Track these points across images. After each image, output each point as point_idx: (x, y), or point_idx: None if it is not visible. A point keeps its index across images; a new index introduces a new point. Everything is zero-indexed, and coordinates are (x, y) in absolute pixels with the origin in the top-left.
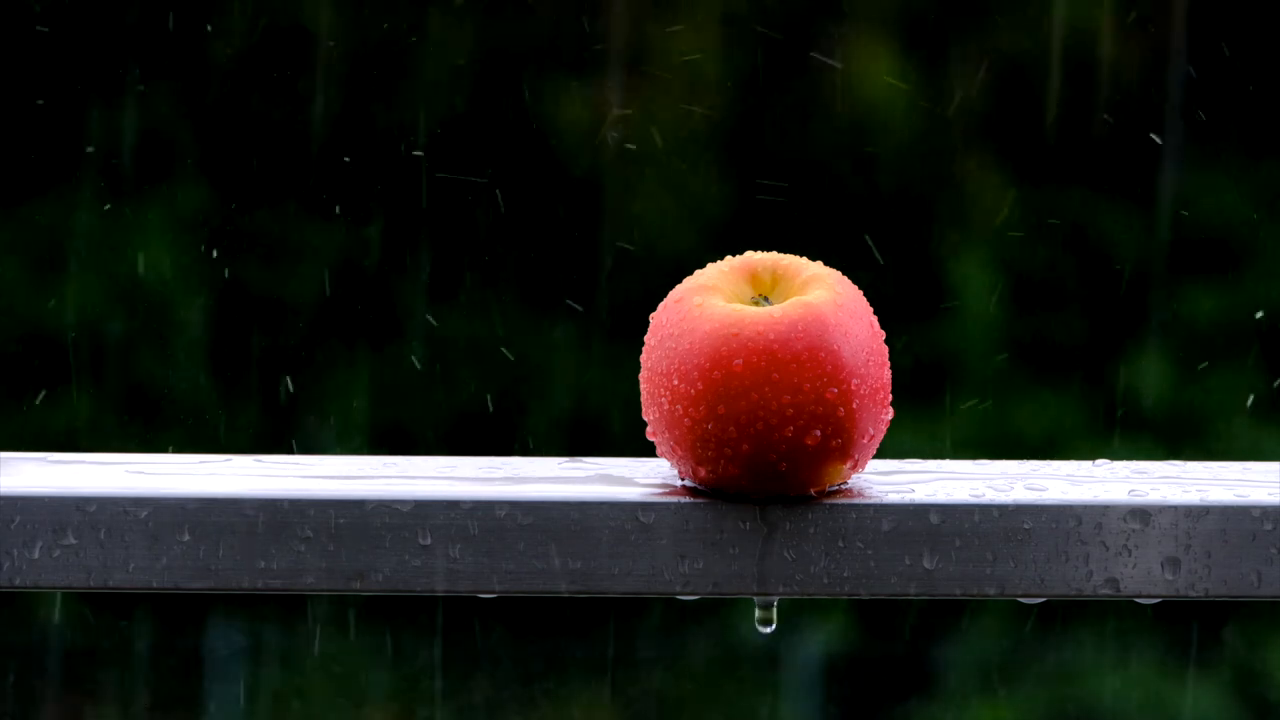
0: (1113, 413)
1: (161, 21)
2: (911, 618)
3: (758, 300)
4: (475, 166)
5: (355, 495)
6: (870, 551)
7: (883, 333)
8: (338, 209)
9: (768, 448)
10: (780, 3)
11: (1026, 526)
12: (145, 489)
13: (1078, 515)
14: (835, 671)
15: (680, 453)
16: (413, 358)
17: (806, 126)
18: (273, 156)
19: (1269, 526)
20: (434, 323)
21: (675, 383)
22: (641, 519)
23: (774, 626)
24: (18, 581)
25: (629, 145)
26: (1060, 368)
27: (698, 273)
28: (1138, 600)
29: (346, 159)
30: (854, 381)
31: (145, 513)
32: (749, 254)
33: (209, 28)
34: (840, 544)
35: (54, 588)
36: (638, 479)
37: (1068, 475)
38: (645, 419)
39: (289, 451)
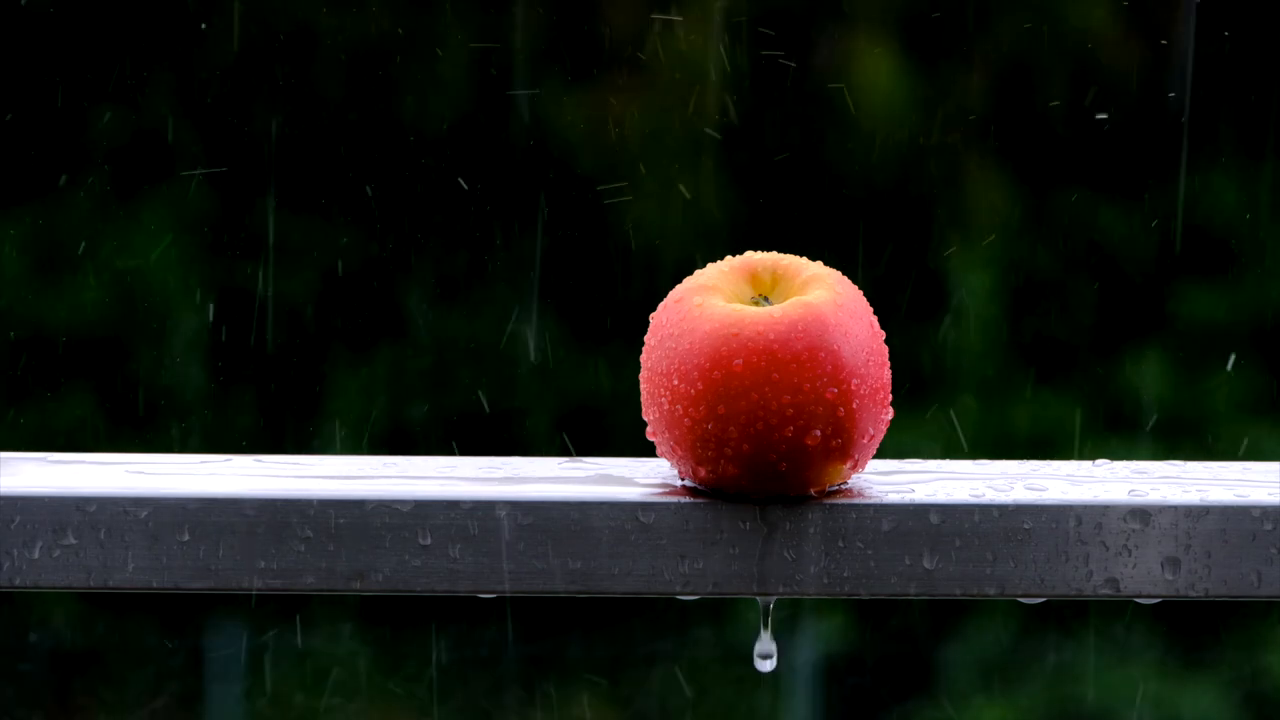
0: (1113, 413)
1: (161, 21)
2: (911, 618)
3: (758, 300)
4: (476, 166)
5: (355, 495)
6: (870, 551)
7: (883, 333)
8: (338, 209)
9: (768, 448)
10: (781, 3)
11: (1026, 526)
12: (145, 489)
13: (1078, 515)
14: (835, 671)
15: (680, 453)
16: (413, 358)
17: (806, 127)
18: (273, 156)
19: (1269, 526)
20: (434, 323)
21: (675, 383)
22: (641, 519)
23: (774, 662)
24: (18, 581)
25: (629, 145)
26: (1060, 368)
27: (698, 273)
28: (1138, 600)
29: (347, 159)
30: (854, 381)
31: (145, 513)
32: (749, 254)
33: (207, 27)
34: (840, 544)
35: (54, 588)
36: (638, 479)
37: (1068, 475)
38: (645, 419)
39: (289, 451)
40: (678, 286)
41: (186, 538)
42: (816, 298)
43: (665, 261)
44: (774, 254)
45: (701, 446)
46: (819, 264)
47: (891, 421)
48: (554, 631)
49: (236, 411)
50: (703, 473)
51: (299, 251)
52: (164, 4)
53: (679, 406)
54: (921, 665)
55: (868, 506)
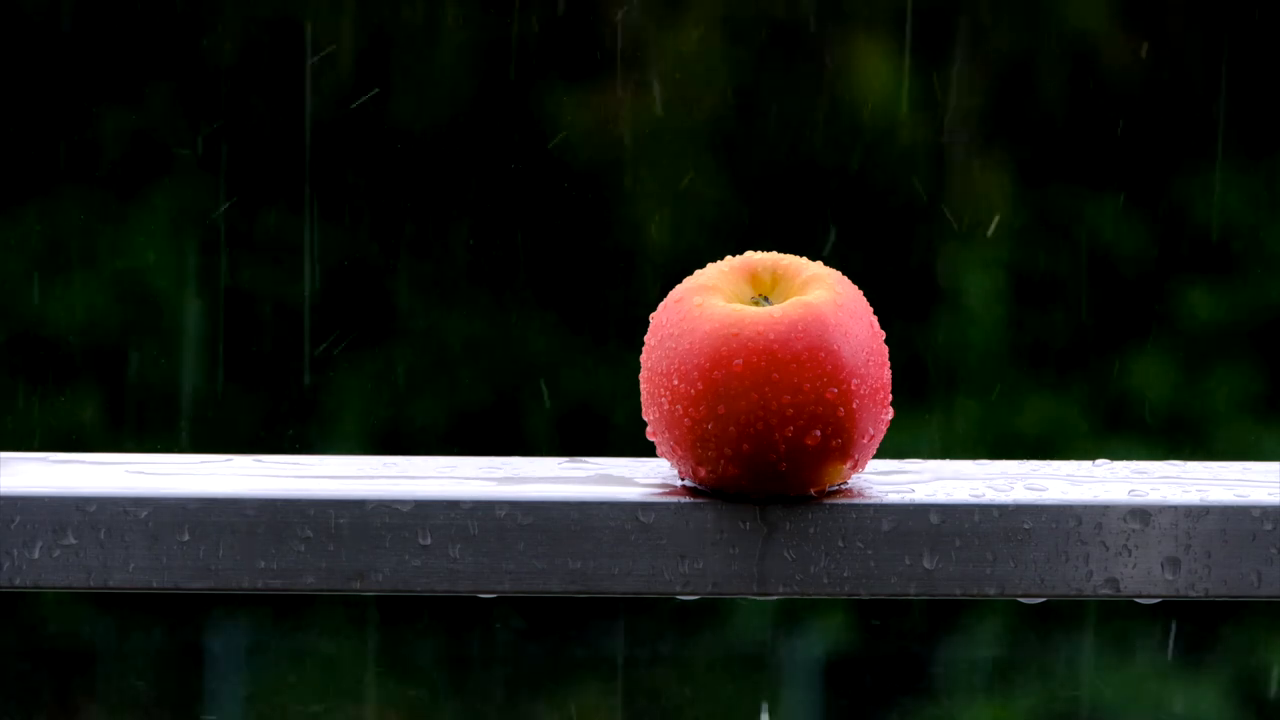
0: (1113, 413)
1: (162, 21)
2: (912, 618)
3: (758, 300)
4: (476, 166)
5: (355, 495)
6: (870, 551)
7: (883, 333)
8: (338, 208)
9: (768, 448)
10: (781, 3)
11: (1026, 526)
12: (145, 489)
13: (1078, 515)
14: (835, 671)
15: (680, 453)
16: (413, 358)
17: (807, 127)
18: (273, 156)
19: (1269, 526)
20: (434, 322)
21: (675, 383)
22: (641, 519)
23: None
24: (18, 581)
25: (630, 145)
26: (1060, 368)
27: (698, 273)
28: (1138, 600)
29: (347, 158)
30: (854, 381)
31: (145, 513)
32: (749, 254)
33: (209, 27)
34: (840, 544)
35: (54, 588)
36: (638, 479)
37: (1068, 475)
38: (645, 419)
39: (289, 451)
40: (678, 286)
41: (186, 538)
42: (816, 298)
43: (665, 261)
44: (774, 254)
45: (701, 446)
46: (819, 264)
47: (891, 421)
48: (554, 631)
49: (236, 411)
50: (703, 473)
51: (299, 251)
52: (165, 4)
53: (679, 406)
54: (921, 665)
55: (868, 506)
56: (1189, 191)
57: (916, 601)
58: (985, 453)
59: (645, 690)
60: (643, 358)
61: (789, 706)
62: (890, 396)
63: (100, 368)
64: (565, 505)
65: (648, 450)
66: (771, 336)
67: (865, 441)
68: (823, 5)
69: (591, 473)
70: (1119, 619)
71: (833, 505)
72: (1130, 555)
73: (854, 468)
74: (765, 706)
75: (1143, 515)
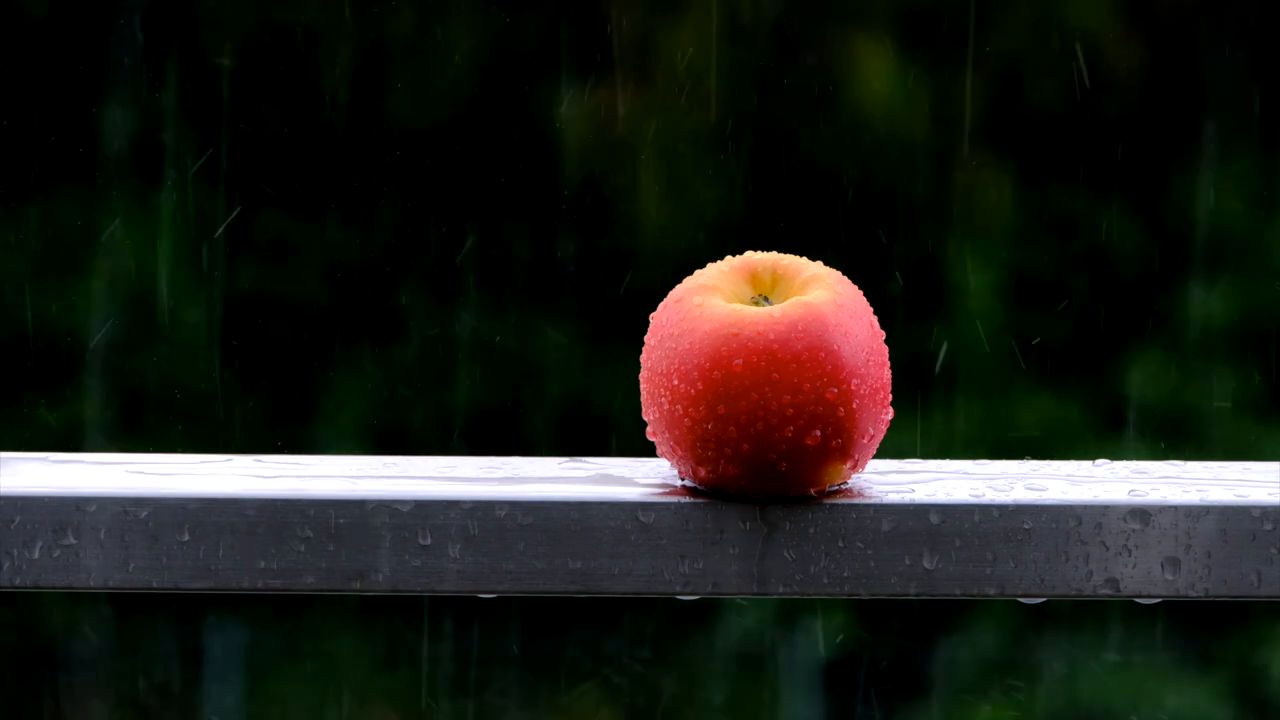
0: (1113, 413)
1: (162, 21)
2: (911, 618)
3: (758, 300)
4: (476, 166)
5: (355, 495)
6: (870, 551)
7: (883, 333)
8: (338, 208)
9: (768, 448)
10: (781, 2)
11: (1026, 526)
12: (145, 489)
13: (1078, 515)
14: (835, 671)
15: (680, 453)
16: (413, 358)
17: (806, 127)
18: (273, 156)
19: (1269, 526)
20: (435, 322)
21: (675, 383)
22: (641, 519)
23: None
24: (18, 581)
25: (629, 145)
26: (1060, 368)
27: (698, 273)
28: (1138, 600)
29: (347, 158)
30: (854, 381)
31: (145, 513)
32: (749, 254)
33: (209, 26)
34: (840, 544)
35: (54, 588)
36: (638, 479)
37: (1068, 475)
38: (645, 419)
39: (289, 451)
40: (678, 286)
41: (186, 538)
42: (816, 298)
43: (665, 261)
44: (774, 254)
45: (701, 446)
46: (819, 264)
47: (891, 421)
48: (554, 631)
49: (236, 411)
50: (703, 473)
51: (299, 251)
52: (165, 3)
53: (679, 406)
54: (921, 665)
55: (868, 506)
56: (1189, 191)
57: (916, 601)
58: (985, 453)
59: (645, 690)
60: (643, 358)
61: (789, 706)
62: (890, 396)
63: (100, 368)
64: (565, 505)
65: (648, 450)
66: (771, 336)
67: (865, 441)
68: (823, 5)
69: (591, 473)
70: (1119, 619)
71: (833, 505)
72: (1130, 555)
73: (854, 468)
74: None
75: (1143, 515)
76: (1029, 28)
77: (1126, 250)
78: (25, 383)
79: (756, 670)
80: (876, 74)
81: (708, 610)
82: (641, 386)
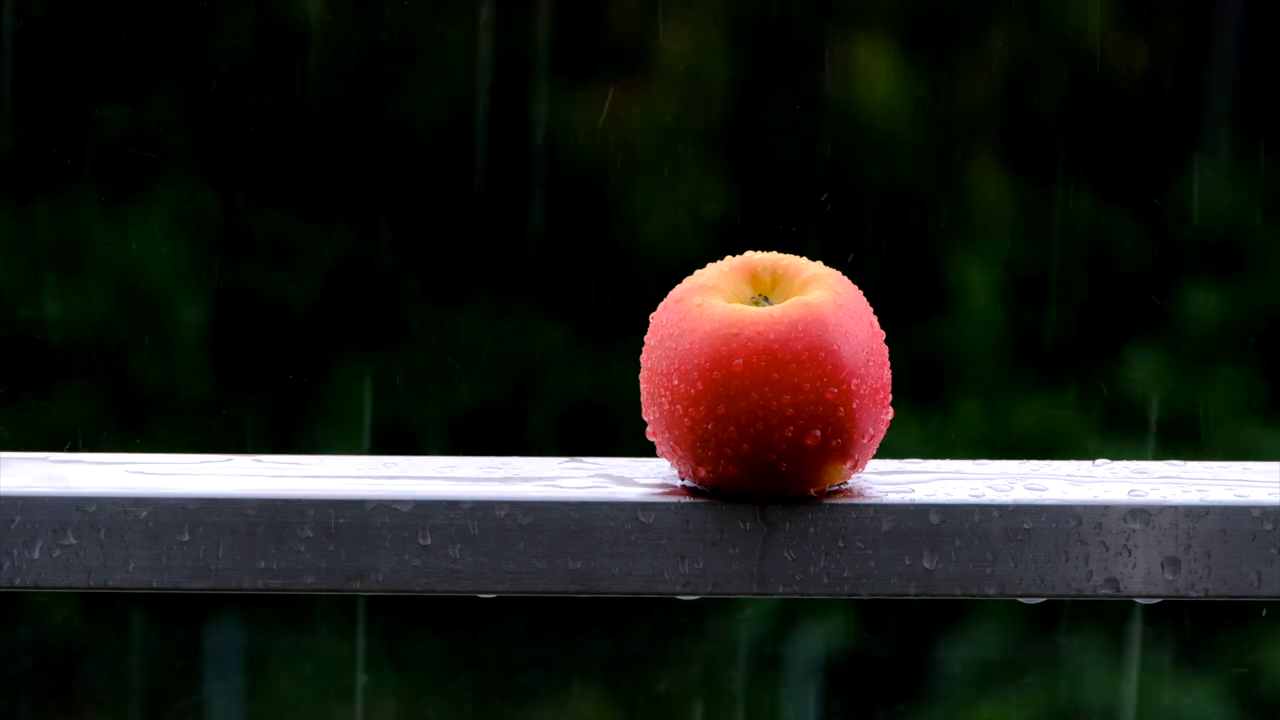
0: (1113, 413)
1: (162, 20)
2: (912, 618)
3: (758, 300)
4: (476, 166)
5: (355, 495)
6: (870, 551)
7: (883, 333)
8: (338, 209)
9: (768, 448)
10: (781, 2)
11: (1026, 526)
12: (145, 489)
13: (1078, 515)
14: (835, 671)
15: (680, 453)
16: (413, 358)
17: (807, 126)
18: (273, 156)
19: (1269, 526)
20: (435, 323)
21: (675, 383)
22: (641, 519)
23: None
24: (18, 581)
25: (629, 145)
26: (1060, 368)
27: (698, 273)
28: (1138, 600)
29: (347, 158)
30: (854, 381)
31: (145, 513)
32: (749, 254)
33: (209, 26)
34: (840, 544)
35: (54, 588)
36: (638, 479)
37: (1068, 475)
38: (645, 419)
39: (289, 451)
40: (678, 286)
41: (186, 538)
42: (816, 298)
43: (665, 261)
44: (774, 254)
45: (701, 446)
46: (819, 264)
47: (891, 421)
48: (554, 631)
49: (236, 411)
50: (703, 473)
51: (299, 251)
52: (166, 3)
53: (679, 406)
54: (922, 665)
55: (868, 506)
56: (1189, 191)
57: (916, 601)
58: (985, 453)
59: (644, 690)
60: (643, 358)
61: (789, 706)
62: (890, 396)
63: (100, 368)
64: (565, 505)
65: (648, 450)
66: (771, 336)
67: (865, 441)
68: (823, 4)
69: (591, 473)
70: (1119, 619)
71: (833, 505)
72: (1130, 555)
73: (854, 468)
74: None
75: (1143, 515)
76: (1029, 28)
77: (1126, 250)
78: (25, 383)
79: (756, 670)
80: (876, 74)
81: (708, 610)
82: (641, 386)
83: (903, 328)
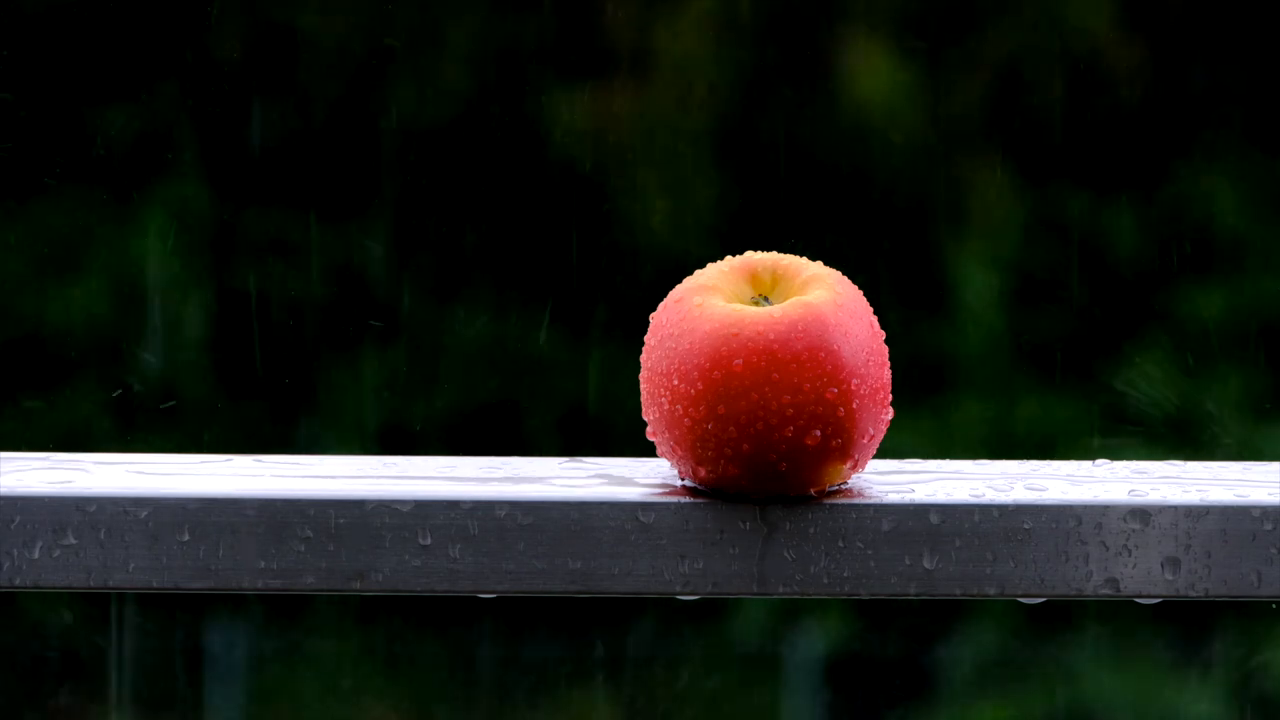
0: (1113, 413)
1: (162, 20)
2: (911, 618)
3: (758, 300)
4: (475, 166)
5: (355, 495)
6: (870, 551)
7: (883, 333)
8: (338, 208)
9: (768, 448)
10: (781, 2)
11: (1026, 526)
12: (145, 489)
13: (1078, 515)
14: (835, 671)
15: (680, 453)
16: (413, 357)
17: (806, 127)
18: (273, 156)
19: (1269, 526)
20: (434, 323)
21: (675, 383)
22: (641, 519)
23: None
24: (18, 581)
25: (629, 145)
26: (1060, 368)
27: (698, 273)
28: (1138, 600)
29: (347, 158)
30: (854, 381)
31: (145, 513)
32: (749, 254)
33: (209, 27)
34: (840, 544)
35: (54, 588)
36: (638, 479)
37: (1068, 475)
38: (645, 419)
39: (289, 451)
40: (678, 286)
41: (186, 538)
42: (816, 298)
43: (665, 261)
44: (774, 254)
45: (701, 446)
46: (819, 264)
47: (891, 421)
48: (554, 631)
49: (236, 411)
50: (703, 473)
51: (299, 251)
52: (166, 3)
53: (679, 406)
54: (922, 665)
55: (868, 506)
56: (1189, 191)
57: (916, 601)
58: (985, 453)
59: (644, 690)
60: (643, 358)
61: (789, 706)
62: (890, 396)
63: (100, 368)
64: (565, 505)
65: (648, 450)
66: (771, 336)
67: (865, 441)
68: (823, 4)
69: (591, 473)
70: (1119, 619)
71: (833, 505)
72: (1130, 555)
73: (854, 468)
74: None
75: (1143, 515)
76: (1029, 27)
77: (1126, 250)
78: (25, 383)
79: (756, 670)
80: (876, 74)
81: (707, 610)
82: (641, 386)
83: (903, 328)
